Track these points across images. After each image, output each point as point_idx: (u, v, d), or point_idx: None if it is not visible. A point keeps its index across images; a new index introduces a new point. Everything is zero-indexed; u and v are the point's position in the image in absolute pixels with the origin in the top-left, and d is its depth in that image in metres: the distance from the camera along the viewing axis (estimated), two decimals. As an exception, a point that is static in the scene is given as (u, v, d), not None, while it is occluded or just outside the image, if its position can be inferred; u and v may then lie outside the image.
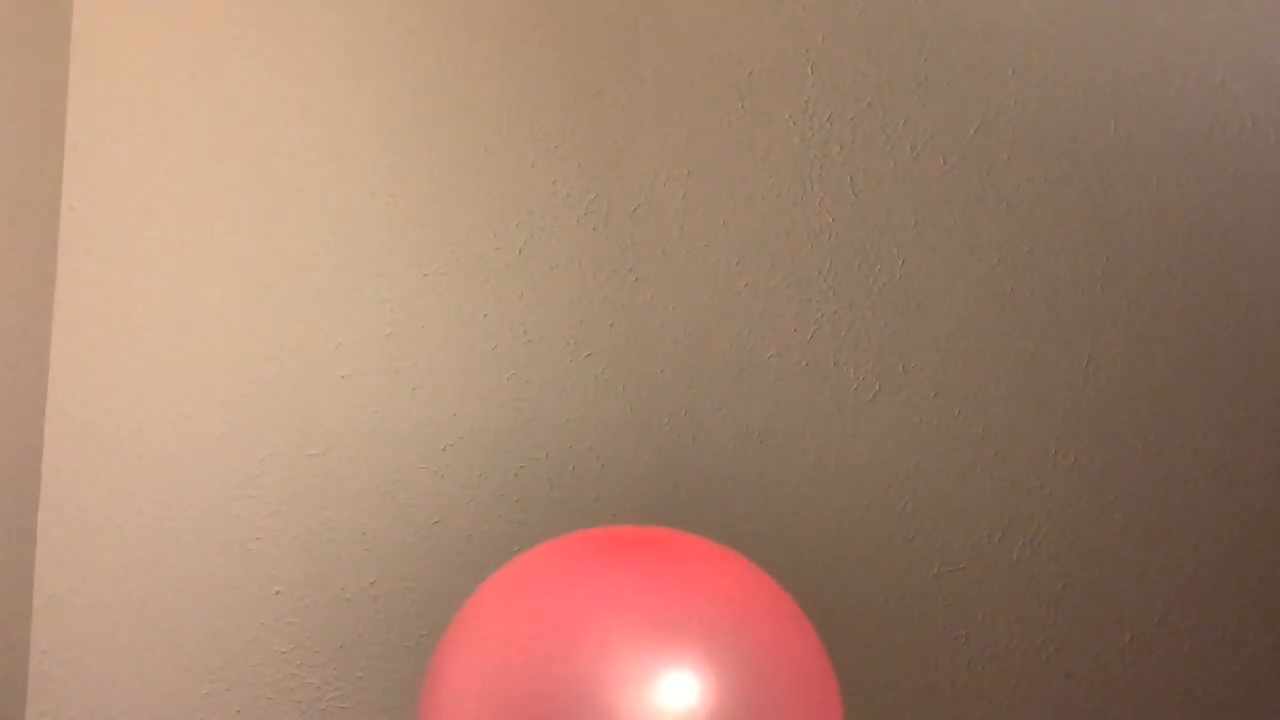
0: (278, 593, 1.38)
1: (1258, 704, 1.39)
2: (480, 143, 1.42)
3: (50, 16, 1.40)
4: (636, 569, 1.10)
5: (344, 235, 1.41)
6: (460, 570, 1.38)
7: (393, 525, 1.38)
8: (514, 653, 1.03)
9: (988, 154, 1.43)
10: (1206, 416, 1.42)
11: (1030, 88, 1.44)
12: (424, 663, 1.34)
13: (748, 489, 1.40)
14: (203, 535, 1.38)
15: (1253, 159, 1.43)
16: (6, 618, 1.33)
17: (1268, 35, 1.44)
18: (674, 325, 1.42)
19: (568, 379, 1.41)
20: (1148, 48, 1.44)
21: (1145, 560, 1.40)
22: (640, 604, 1.06)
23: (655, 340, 1.41)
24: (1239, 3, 1.45)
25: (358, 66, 1.43)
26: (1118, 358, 1.42)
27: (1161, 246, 1.43)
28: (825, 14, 1.44)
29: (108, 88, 1.42)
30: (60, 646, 1.37)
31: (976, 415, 1.41)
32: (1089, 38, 1.44)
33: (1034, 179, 1.43)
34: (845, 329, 1.42)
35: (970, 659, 1.39)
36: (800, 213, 1.43)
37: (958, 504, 1.40)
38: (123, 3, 1.43)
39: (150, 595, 1.37)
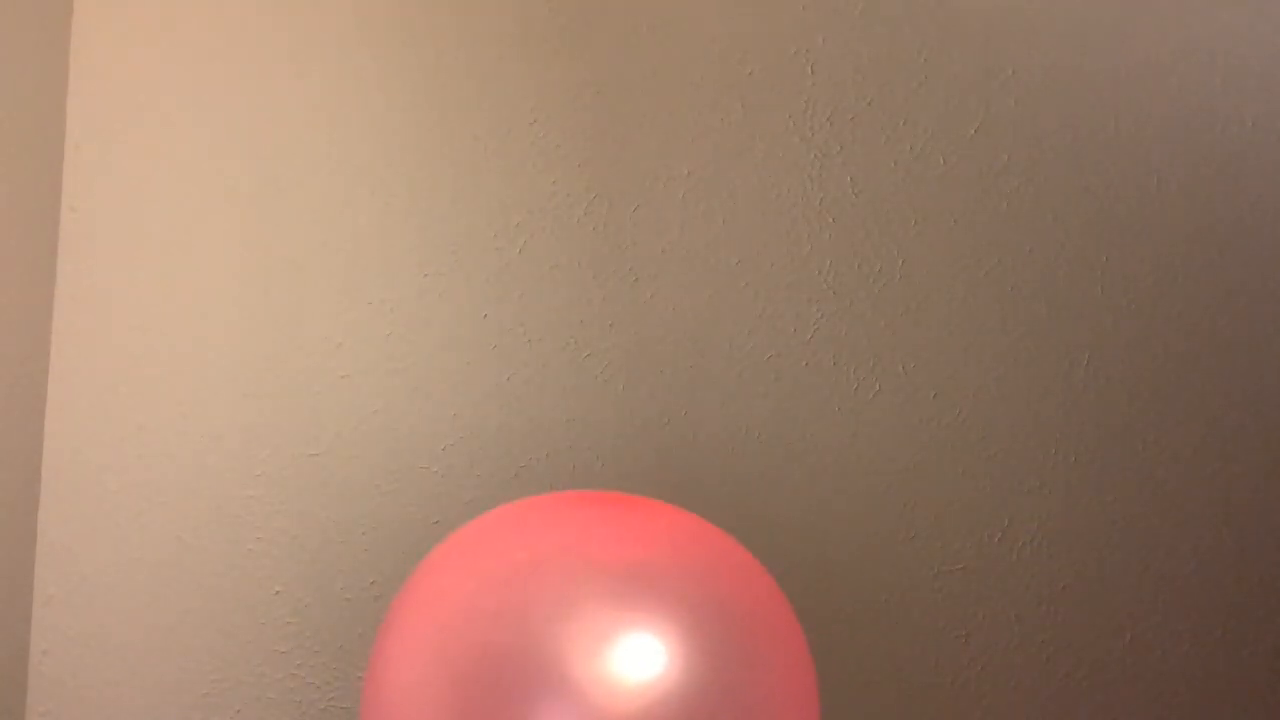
0: (278, 593, 1.38)
1: (1258, 704, 1.39)
2: (480, 143, 1.42)
3: (50, 16, 1.40)
4: (598, 523, 1.02)
5: (344, 235, 1.41)
6: (460, 570, 1.38)
7: (393, 525, 1.38)
8: (462, 611, 0.95)
9: (988, 154, 1.43)
10: (1206, 416, 1.42)
11: (1030, 88, 1.44)
12: (424, 663, 1.34)
13: (748, 489, 1.40)
14: (203, 535, 1.38)
15: (1253, 159, 1.43)
16: (6, 618, 1.33)
17: (1268, 35, 1.45)
18: (674, 325, 1.42)
19: (568, 379, 1.41)
20: (1147, 48, 1.44)
21: (1145, 560, 1.40)
22: (601, 556, 0.97)
23: (655, 340, 1.41)
24: (1238, 3, 1.45)
25: (358, 67, 1.43)
26: (1118, 358, 1.42)
27: (1161, 246, 1.43)
28: (825, 14, 1.44)
29: (108, 88, 1.42)
30: (60, 646, 1.37)
31: (976, 415, 1.41)
32: (1089, 38, 1.44)
33: (1034, 179, 1.43)
34: (845, 329, 1.42)
35: (970, 659, 1.39)
36: (800, 213, 1.43)
37: (958, 504, 1.40)
38: (123, 3, 1.43)
39: (150, 595, 1.37)
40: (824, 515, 1.40)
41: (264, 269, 1.41)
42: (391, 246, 1.41)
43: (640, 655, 0.93)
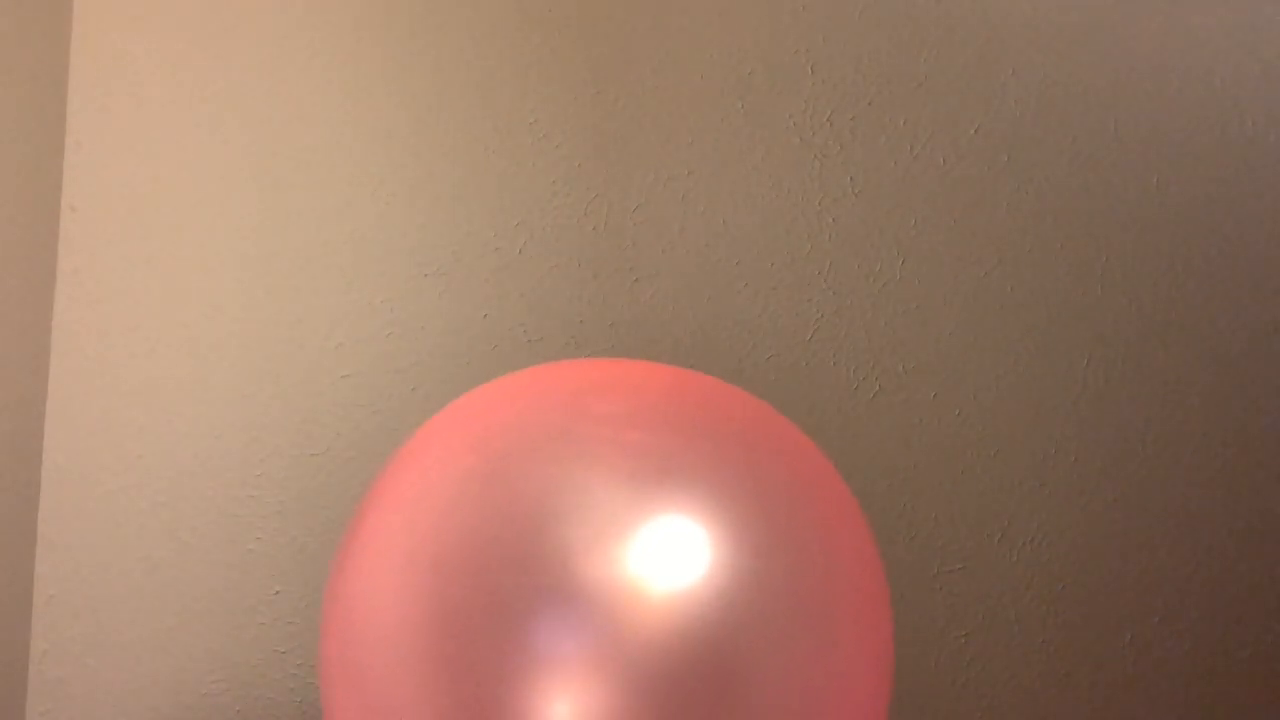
0: (278, 593, 1.38)
1: (1258, 704, 1.39)
2: (480, 143, 1.42)
3: (50, 16, 1.40)
4: (613, 389, 0.78)
5: (344, 235, 1.41)
6: (460, 570, 1.37)
7: (393, 525, 1.38)
8: (442, 497, 0.73)
9: (988, 154, 1.43)
10: (1206, 416, 1.42)
11: (1030, 88, 1.44)
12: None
13: (748, 489, 1.39)
14: (203, 535, 1.38)
15: (1253, 159, 1.43)
16: (6, 618, 1.33)
17: (1268, 35, 1.45)
18: (674, 325, 1.42)
19: (568, 379, 1.40)
20: (1147, 48, 1.44)
21: (1145, 560, 1.40)
22: (615, 432, 0.72)
23: (655, 340, 1.41)
24: (1239, 3, 1.45)
25: (359, 67, 1.43)
26: (1118, 358, 1.42)
27: (1161, 246, 1.43)
28: (825, 14, 1.44)
29: (108, 88, 1.42)
30: (60, 646, 1.37)
31: (976, 415, 1.41)
32: (1089, 38, 1.44)
33: (1034, 179, 1.43)
34: (845, 329, 1.42)
35: (970, 659, 1.39)
36: (800, 213, 1.43)
37: (958, 504, 1.40)
38: (123, 3, 1.43)
39: (150, 595, 1.37)
40: (824, 515, 1.40)
41: (264, 269, 1.41)
42: (391, 246, 1.41)
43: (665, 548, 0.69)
